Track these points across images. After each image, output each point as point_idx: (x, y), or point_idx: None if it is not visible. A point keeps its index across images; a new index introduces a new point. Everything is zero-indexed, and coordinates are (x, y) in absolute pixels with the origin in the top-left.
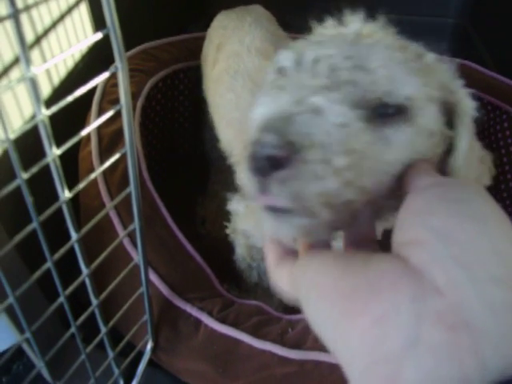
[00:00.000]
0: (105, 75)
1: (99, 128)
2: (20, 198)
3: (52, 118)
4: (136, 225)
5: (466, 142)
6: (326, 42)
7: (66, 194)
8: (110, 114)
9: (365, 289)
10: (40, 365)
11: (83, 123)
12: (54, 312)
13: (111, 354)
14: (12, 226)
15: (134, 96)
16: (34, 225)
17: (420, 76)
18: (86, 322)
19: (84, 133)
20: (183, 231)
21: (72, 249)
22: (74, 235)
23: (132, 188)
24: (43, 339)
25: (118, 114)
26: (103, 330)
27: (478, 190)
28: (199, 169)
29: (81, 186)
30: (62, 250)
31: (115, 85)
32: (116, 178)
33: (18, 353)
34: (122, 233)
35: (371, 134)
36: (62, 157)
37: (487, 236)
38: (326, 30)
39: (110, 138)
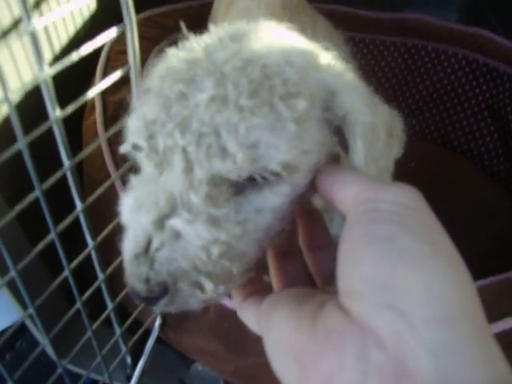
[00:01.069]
0: (112, 32)
1: (104, 96)
2: (21, 165)
3: (55, 82)
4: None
5: (361, 155)
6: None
7: (70, 162)
8: (117, 74)
9: (314, 349)
10: (44, 342)
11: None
12: (58, 287)
13: (118, 331)
14: (13, 195)
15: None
16: (37, 193)
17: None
18: (91, 298)
19: (90, 94)
20: None
21: (77, 221)
22: (79, 205)
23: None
24: (47, 315)
25: (123, 82)
26: (110, 305)
27: (409, 216)
28: None
29: (86, 152)
30: (67, 221)
31: (120, 52)
32: None
33: (21, 329)
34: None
35: (240, 210)
36: (65, 126)
37: (418, 275)
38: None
39: (115, 107)
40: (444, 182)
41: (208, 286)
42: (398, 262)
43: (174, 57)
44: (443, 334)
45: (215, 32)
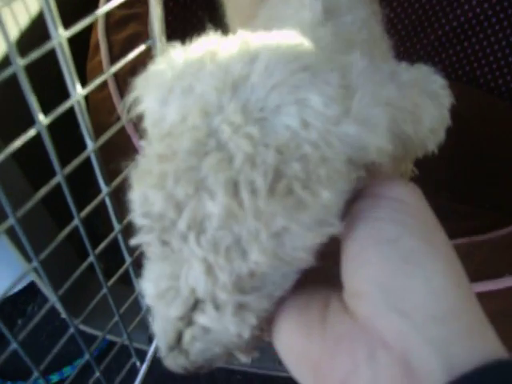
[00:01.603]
0: None
1: (109, 35)
2: (19, 97)
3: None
4: None
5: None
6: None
7: (78, 91)
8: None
9: (327, 356)
10: (53, 299)
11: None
12: (68, 241)
13: (138, 288)
14: (8, 132)
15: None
16: (38, 127)
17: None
18: (105, 253)
19: (99, 12)
20: None
21: (86, 163)
22: (90, 144)
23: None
24: (57, 271)
25: (129, 18)
26: (128, 259)
27: (410, 214)
28: None
29: (92, 85)
30: (76, 162)
31: None
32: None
33: (32, 294)
34: (137, 141)
35: (265, 284)
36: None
37: (421, 276)
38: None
39: (121, 46)
40: (472, 121)
41: (241, 356)
42: (401, 264)
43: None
44: (445, 330)
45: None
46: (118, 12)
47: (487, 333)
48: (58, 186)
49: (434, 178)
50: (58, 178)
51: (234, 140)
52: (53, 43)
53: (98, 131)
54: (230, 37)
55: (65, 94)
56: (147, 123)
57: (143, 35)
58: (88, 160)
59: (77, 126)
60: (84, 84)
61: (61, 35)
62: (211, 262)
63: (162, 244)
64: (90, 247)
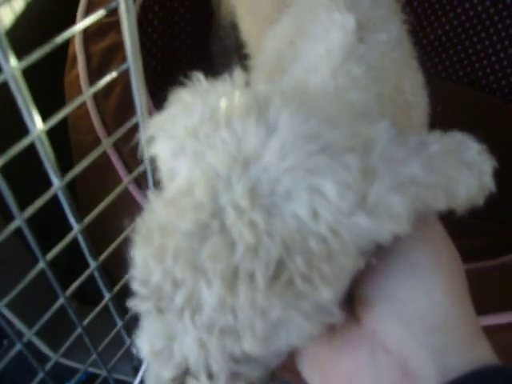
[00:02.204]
0: None
1: (87, 45)
2: None
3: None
4: (147, 166)
5: None
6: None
7: (38, 126)
8: (101, 13)
9: (335, 358)
10: (28, 335)
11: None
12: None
13: (120, 323)
14: None
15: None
16: None
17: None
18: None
19: (77, 28)
20: None
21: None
22: (56, 182)
23: (139, 118)
24: (32, 305)
25: (108, 27)
26: (107, 295)
27: (423, 234)
28: None
29: (67, 110)
30: (40, 202)
31: None
32: (111, 105)
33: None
34: (123, 173)
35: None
36: (43, 83)
37: (424, 289)
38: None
39: (100, 57)
40: (473, 124)
41: None
42: (407, 276)
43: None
44: (441, 340)
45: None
46: (97, 20)
47: (481, 344)
48: (35, 215)
49: None
50: (18, 223)
51: (238, 227)
52: (4, 76)
53: (76, 149)
54: (250, 91)
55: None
56: (161, 171)
57: (123, 47)
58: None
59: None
60: (62, 98)
61: (13, 67)
62: (204, 338)
63: (158, 311)
64: (60, 290)
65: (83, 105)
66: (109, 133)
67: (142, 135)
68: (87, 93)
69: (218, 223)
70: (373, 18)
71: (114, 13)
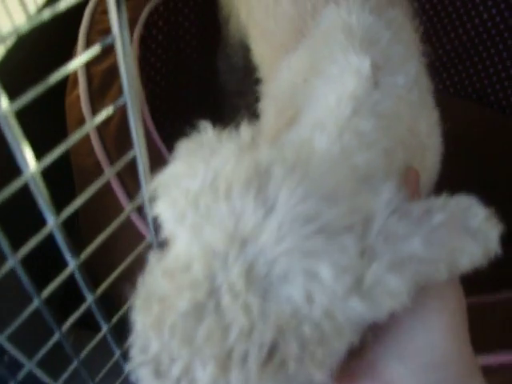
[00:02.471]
0: None
1: (88, 66)
2: None
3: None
4: (145, 197)
5: None
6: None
7: (31, 167)
8: (96, 48)
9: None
10: (27, 368)
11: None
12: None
13: (118, 352)
14: None
15: (130, 23)
16: None
17: None
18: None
19: (71, 67)
20: None
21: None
22: (50, 220)
23: (137, 152)
24: (31, 337)
25: (111, 47)
26: (104, 327)
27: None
28: (211, 107)
29: (63, 147)
30: (34, 241)
31: (106, 11)
32: (112, 129)
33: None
34: (125, 201)
35: None
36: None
37: (423, 329)
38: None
39: (101, 78)
40: (483, 143)
41: None
42: (410, 317)
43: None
44: (439, 376)
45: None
46: (99, 39)
47: (474, 380)
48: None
49: None
50: (11, 263)
51: (233, 309)
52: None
53: (77, 171)
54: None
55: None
56: (164, 230)
57: None
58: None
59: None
60: (63, 119)
61: (5, 110)
62: None
63: (156, 376)
64: (55, 326)
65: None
66: (109, 157)
67: (145, 190)
68: (85, 128)
69: (214, 303)
70: (390, 57)
71: None
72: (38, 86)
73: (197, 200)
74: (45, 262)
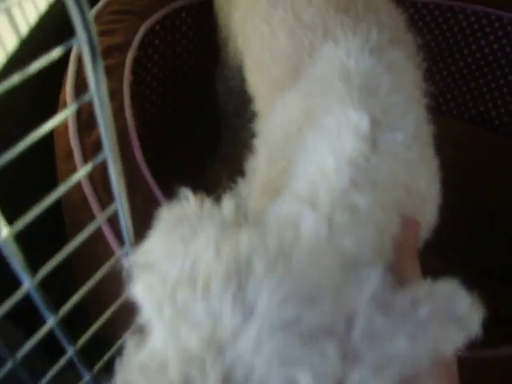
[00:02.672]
0: (57, 52)
1: (77, 94)
2: None
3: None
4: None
5: None
6: None
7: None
8: (73, 107)
9: None
10: None
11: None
12: None
13: (87, 376)
14: None
15: (123, 48)
16: None
17: None
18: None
19: (49, 126)
20: None
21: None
22: (26, 281)
23: (119, 207)
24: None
25: (105, 56)
26: (86, 377)
27: None
28: (209, 127)
29: (61, 190)
30: (10, 302)
31: (100, 32)
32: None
33: None
34: (115, 246)
35: None
36: None
37: None
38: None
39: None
40: (485, 170)
41: None
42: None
43: None
44: None
45: None
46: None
47: None
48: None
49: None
50: None
51: None
52: None
53: (66, 204)
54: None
55: None
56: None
57: (116, 94)
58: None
59: None
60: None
61: None
62: None
63: None
64: None
65: (72, 161)
66: (98, 195)
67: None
68: (73, 178)
69: None
70: (390, 109)
71: (109, 55)
72: (17, 145)
73: (174, 292)
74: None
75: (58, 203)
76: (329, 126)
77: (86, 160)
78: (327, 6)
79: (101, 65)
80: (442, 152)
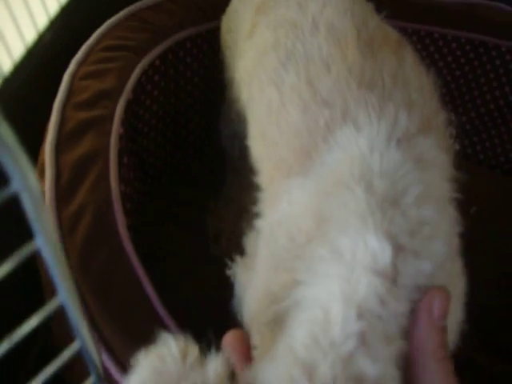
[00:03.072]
0: None
1: (58, 154)
2: None
3: None
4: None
5: None
6: None
7: None
8: None
9: None
10: None
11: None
12: None
13: None
14: None
15: (114, 93)
16: None
17: None
18: None
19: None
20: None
21: None
22: None
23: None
24: None
25: (87, 126)
26: None
27: None
28: (212, 167)
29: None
30: None
31: (90, 74)
32: (77, 240)
33: None
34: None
35: None
36: None
37: None
38: None
39: (72, 170)
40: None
41: None
42: None
43: None
44: None
45: None
46: (76, 115)
47: None
48: None
49: None
50: None
51: None
52: None
53: (47, 288)
54: None
55: None
56: None
57: (101, 154)
58: None
59: None
60: None
61: None
62: None
63: None
64: None
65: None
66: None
67: None
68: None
69: None
70: (418, 229)
71: (96, 104)
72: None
73: None
74: None
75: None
76: (343, 251)
77: (62, 236)
78: (348, 77)
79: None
80: (463, 212)
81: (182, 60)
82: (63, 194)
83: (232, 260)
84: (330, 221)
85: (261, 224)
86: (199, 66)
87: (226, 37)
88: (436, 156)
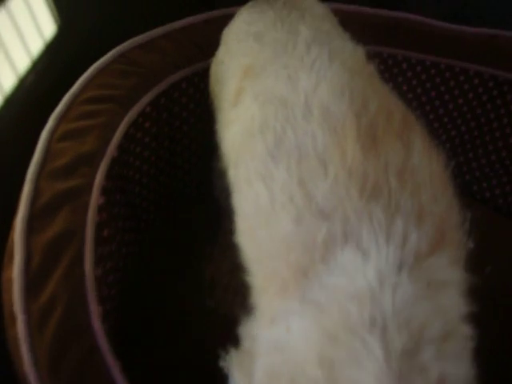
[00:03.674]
0: None
1: (30, 234)
2: None
3: None
4: None
5: None
6: None
7: None
8: None
9: None
10: None
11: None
12: None
13: None
14: None
15: (93, 158)
16: None
17: None
18: None
19: None
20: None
21: None
22: None
23: None
24: None
25: (65, 197)
26: None
27: None
28: (209, 212)
29: None
30: None
31: (70, 133)
32: (47, 339)
33: None
34: None
35: None
36: None
37: None
38: None
39: (44, 253)
40: None
41: None
42: None
43: None
44: None
45: None
46: (52, 186)
47: None
48: None
49: None
50: None
51: None
52: None
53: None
54: None
55: None
56: None
57: (76, 233)
58: None
59: None
60: None
61: None
62: None
63: None
64: None
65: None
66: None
67: None
68: None
69: None
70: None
71: (74, 172)
72: None
73: None
74: None
75: None
76: None
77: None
78: (348, 182)
79: None
80: (478, 273)
81: (176, 101)
82: (34, 282)
83: (226, 352)
84: (342, 376)
85: (255, 332)
86: (196, 106)
87: (214, 87)
88: (450, 273)
